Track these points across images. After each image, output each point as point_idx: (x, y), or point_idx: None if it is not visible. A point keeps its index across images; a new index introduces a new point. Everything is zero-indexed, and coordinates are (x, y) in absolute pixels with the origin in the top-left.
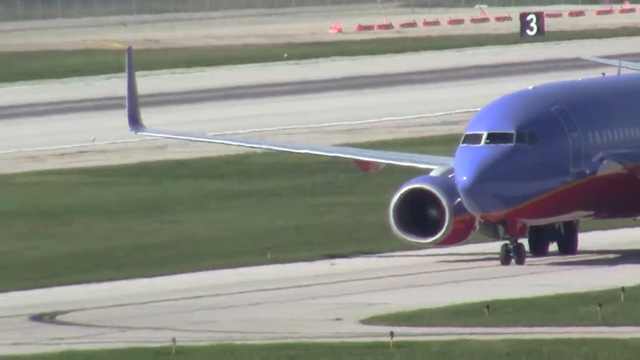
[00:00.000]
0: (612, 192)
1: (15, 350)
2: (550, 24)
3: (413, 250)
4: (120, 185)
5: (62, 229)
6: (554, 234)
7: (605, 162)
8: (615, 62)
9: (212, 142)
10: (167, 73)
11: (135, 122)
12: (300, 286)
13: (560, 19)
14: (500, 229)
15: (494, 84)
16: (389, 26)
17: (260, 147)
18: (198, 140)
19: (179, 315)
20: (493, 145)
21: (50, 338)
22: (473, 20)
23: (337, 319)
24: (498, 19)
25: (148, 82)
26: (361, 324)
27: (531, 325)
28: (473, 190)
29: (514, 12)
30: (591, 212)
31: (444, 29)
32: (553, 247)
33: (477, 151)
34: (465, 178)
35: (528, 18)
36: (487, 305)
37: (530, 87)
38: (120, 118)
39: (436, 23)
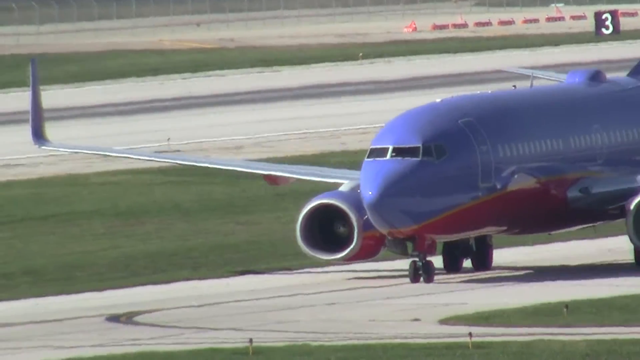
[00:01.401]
0: (525, 207)
1: (92, 352)
2: (625, 23)
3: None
4: (195, 185)
5: (138, 228)
6: (468, 250)
7: (516, 176)
8: (528, 72)
9: (118, 157)
10: (242, 73)
11: (39, 136)
12: (377, 286)
13: (636, 17)
14: (409, 245)
15: None
16: (463, 25)
17: (167, 162)
18: (103, 155)
19: (256, 316)
20: (399, 159)
21: (127, 339)
22: (548, 19)
23: (415, 319)
24: (573, 17)
25: (223, 82)
26: (439, 324)
27: (610, 326)
28: (379, 205)
29: (589, 10)
30: (504, 228)
31: (519, 28)
32: (467, 263)
33: (382, 165)
34: (370, 193)
35: (603, 17)
36: (566, 305)
37: (438, 100)
38: (195, 118)
39: (511, 22)
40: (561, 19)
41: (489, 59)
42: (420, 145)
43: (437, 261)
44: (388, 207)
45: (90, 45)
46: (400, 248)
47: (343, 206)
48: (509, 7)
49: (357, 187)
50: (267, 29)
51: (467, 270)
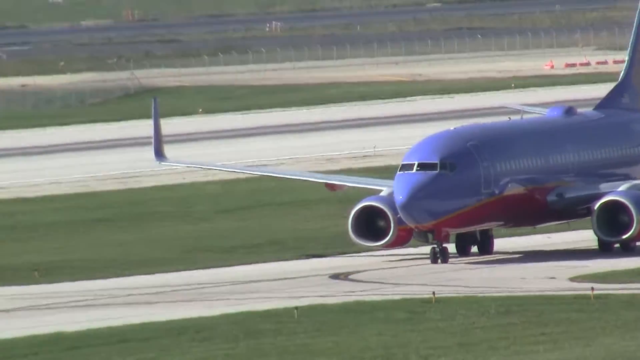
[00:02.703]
0: (516, 207)
1: (319, 301)
2: None
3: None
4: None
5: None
6: (474, 239)
7: (510, 185)
8: (519, 107)
9: (226, 171)
10: (428, 98)
11: (159, 154)
12: (524, 253)
13: None
14: (430, 236)
15: None
16: (587, 64)
17: (252, 174)
18: (214, 169)
19: (437, 275)
20: (422, 172)
21: (344, 291)
22: None
23: (552, 278)
24: None
25: (414, 105)
26: (570, 281)
27: None
28: (407, 206)
29: None
30: (501, 222)
31: None
32: (474, 249)
33: (410, 177)
34: (401, 197)
35: None
36: None
37: (451, 128)
38: (394, 131)
39: (623, 61)
40: None
41: (606, 89)
42: (438, 161)
43: (451, 248)
44: (414, 208)
45: (316, 78)
46: (424, 238)
47: (383, 207)
48: (621, 50)
49: (392, 192)
50: (446, 66)
51: (474, 255)
